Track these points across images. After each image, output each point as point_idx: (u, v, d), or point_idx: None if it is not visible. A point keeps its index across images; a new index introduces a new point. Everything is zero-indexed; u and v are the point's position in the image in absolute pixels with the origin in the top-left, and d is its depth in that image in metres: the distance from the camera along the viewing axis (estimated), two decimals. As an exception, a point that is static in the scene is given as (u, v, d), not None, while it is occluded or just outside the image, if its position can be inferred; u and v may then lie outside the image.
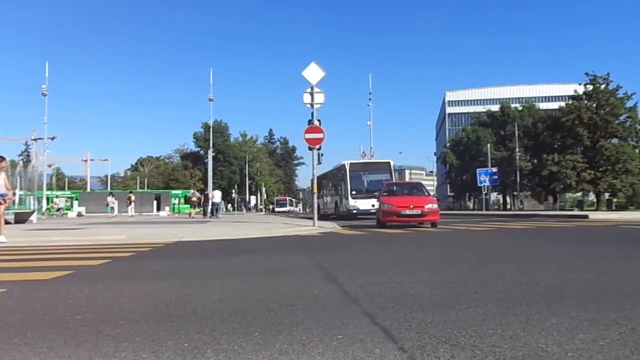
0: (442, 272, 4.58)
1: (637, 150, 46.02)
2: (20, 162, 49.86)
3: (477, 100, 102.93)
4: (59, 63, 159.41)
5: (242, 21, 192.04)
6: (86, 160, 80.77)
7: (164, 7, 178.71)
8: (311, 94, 14.29)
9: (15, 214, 19.12)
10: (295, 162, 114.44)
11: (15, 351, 2.22)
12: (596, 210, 40.70)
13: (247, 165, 77.50)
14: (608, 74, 45.97)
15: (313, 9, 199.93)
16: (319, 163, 15.00)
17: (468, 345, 2.17)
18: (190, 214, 31.95)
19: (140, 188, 75.74)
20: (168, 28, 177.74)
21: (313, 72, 14.40)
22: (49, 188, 56.42)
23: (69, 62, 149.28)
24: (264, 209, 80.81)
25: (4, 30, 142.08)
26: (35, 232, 12.52)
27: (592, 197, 51.10)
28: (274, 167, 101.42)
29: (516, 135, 51.74)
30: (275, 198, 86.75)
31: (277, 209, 74.78)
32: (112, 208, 37.73)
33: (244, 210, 65.43)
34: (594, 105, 45.99)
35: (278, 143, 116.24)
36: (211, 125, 49.66)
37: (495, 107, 66.07)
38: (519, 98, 75.93)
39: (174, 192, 64.99)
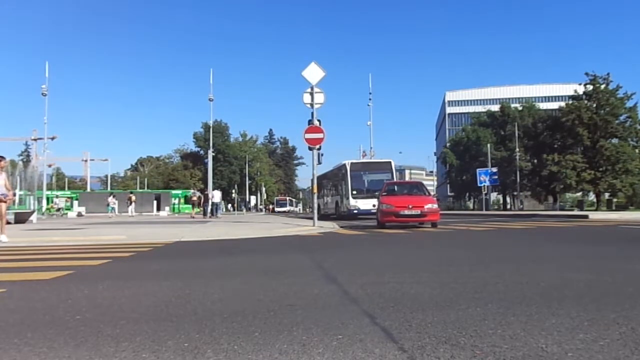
0: (442, 272, 4.58)
1: (637, 150, 46.03)
2: (20, 162, 49.94)
3: (477, 100, 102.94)
4: (59, 63, 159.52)
5: (242, 21, 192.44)
6: (86, 160, 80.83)
7: (164, 7, 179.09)
8: (311, 94, 14.29)
9: (15, 214, 19.12)
10: (295, 162, 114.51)
11: (15, 351, 2.22)
12: (596, 210, 40.70)
13: (247, 165, 77.50)
14: (608, 74, 46.05)
15: (313, 9, 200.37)
16: (319, 163, 15.01)
17: (468, 345, 2.17)
18: (191, 214, 31.99)
19: (140, 188, 75.76)
20: (168, 28, 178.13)
21: (313, 72, 14.40)
22: (49, 188, 56.42)
23: (69, 62, 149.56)
24: (264, 209, 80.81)
25: (4, 30, 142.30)
26: (35, 232, 12.52)
27: (592, 197, 51.11)
28: (274, 167, 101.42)
29: (516, 135, 51.75)
30: (275, 198, 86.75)
31: (277, 209, 74.77)
32: (113, 208, 37.77)
33: (244, 210, 65.44)
34: (594, 105, 45.99)
35: (278, 143, 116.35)
36: (211, 125, 49.66)
37: (495, 107, 66.07)
38: (519, 98, 75.94)
39: (174, 192, 65.03)
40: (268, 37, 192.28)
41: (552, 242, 8.87)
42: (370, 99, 43.09)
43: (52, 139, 47.58)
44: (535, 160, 53.39)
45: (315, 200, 15.32)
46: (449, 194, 78.91)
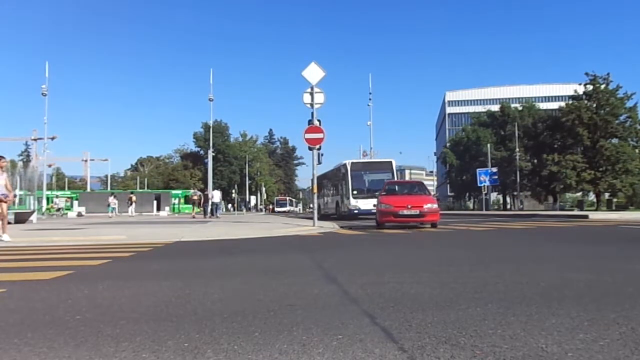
0: (442, 272, 4.58)
1: (637, 150, 46.05)
2: (20, 162, 49.94)
3: (477, 100, 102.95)
4: (59, 63, 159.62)
5: (242, 21, 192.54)
6: (86, 160, 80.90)
7: (164, 7, 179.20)
8: (311, 94, 14.28)
9: (15, 214, 19.12)
10: (295, 162, 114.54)
11: (15, 351, 2.22)
12: (596, 210, 40.71)
13: (247, 165, 77.52)
14: (608, 74, 46.10)
15: (313, 9, 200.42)
16: (319, 163, 15.00)
17: (468, 345, 2.17)
18: (192, 214, 32.01)
19: (140, 188, 75.82)
20: (168, 28, 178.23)
21: (313, 72, 14.39)
22: (49, 188, 56.45)
23: (69, 62, 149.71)
24: (264, 209, 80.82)
25: (4, 30, 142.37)
26: (35, 232, 12.52)
27: (592, 197, 51.13)
28: (274, 167, 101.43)
29: (516, 135, 51.77)
30: (275, 198, 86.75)
31: (277, 209, 74.78)
32: (114, 208, 37.81)
33: (244, 210, 65.44)
34: (594, 105, 46.01)
35: (278, 143, 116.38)
36: (211, 125, 49.69)
37: (495, 107, 66.09)
38: (519, 98, 75.97)
39: (174, 192, 65.09)
40: (268, 37, 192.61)
41: (552, 242, 8.87)
42: (370, 99, 43.13)
43: (52, 139, 47.69)
44: (535, 160, 53.40)
45: (315, 200, 15.31)
46: (449, 194, 78.94)
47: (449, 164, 66.76)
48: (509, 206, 63.10)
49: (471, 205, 69.86)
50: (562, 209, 44.32)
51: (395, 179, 24.23)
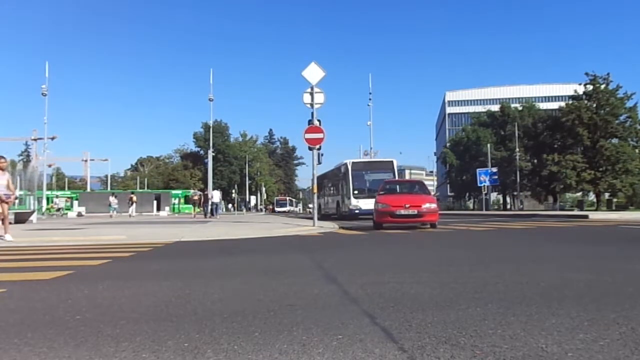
0: (442, 272, 4.58)
1: (637, 150, 46.07)
2: (20, 162, 49.95)
3: (477, 100, 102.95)
4: (59, 63, 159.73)
5: (242, 21, 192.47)
6: (86, 160, 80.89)
7: (164, 7, 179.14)
8: (311, 94, 14.28)
9: (15, 214, 19.11)
10: (295, 162, 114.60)
11: (15, 351, 2.22)
12: (596, 210, 40.71)
13: (247, 165, 77.54)
14: (608, 74, 46.12)
15: (313, 9, 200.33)
16: (319, 163, 15.00)
17: (468, 345, 2.17)
18: (192, 214, 32.06)
19: (140, 188, 75.78)
20: (168, 28, 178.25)
21: (313, 72, 14.40)
22: (49, 188, 56.44)
23: (69, 62, 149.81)
24: (264, 209, 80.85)
25: (4, 30, 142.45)
26: (35, 232, 12.52)
27: (592, 197, 51.14)
28: (274, 167, 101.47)
29: (516, 135, 51.77)
30: (275, 198, 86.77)
31: (277, 209, 74.79)
32: (115, 208, 37.84)
33: (244, 210, 65.47)
34: (594, 105, 46.02)
35: (278, 143, 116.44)
36: (211, 125, 49.69)
37: (495, 107, 66.08)
38: (519, 98, 75.96)
39: (174, 192, 65.11)
40: (268, 37, 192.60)
41: (552, 242, 8.87)
42: (370, 99, 43.18)
43: (52, 139, 47.63)
44: (535, 160, 53.39)
45: (316, 200, 15.32)
46: (449, 194, 78.91)
47: (449, 164, 66.75)
48: (509, 206, 63.10)
49: (471, 205, 69.85)
50: (562, 209, 44.32)
51: (396, 178, 24.19)
